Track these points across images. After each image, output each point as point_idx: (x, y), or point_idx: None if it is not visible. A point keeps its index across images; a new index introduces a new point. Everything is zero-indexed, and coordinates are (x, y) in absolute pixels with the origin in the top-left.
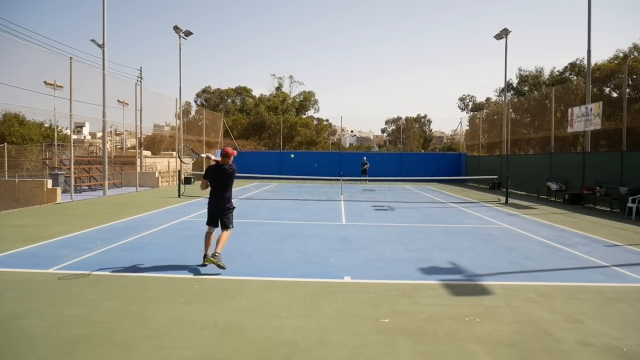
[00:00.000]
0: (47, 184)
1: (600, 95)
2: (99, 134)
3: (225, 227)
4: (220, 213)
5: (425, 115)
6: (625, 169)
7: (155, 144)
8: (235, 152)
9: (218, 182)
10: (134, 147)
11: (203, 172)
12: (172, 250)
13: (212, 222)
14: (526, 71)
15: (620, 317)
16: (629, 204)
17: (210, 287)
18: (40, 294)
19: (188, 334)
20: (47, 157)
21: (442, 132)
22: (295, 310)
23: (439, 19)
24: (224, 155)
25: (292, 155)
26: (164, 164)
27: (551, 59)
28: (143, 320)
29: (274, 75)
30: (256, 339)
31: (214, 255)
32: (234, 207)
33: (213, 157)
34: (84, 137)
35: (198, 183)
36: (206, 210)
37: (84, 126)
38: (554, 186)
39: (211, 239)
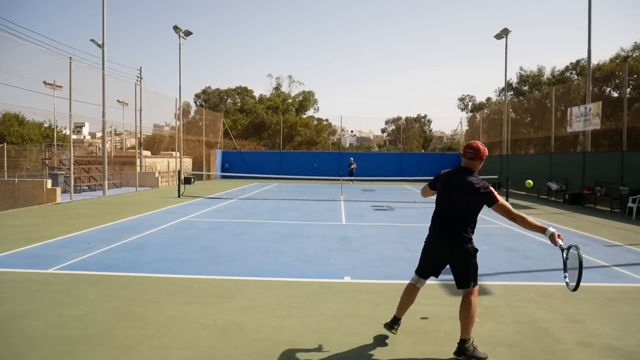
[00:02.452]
0: (46, 184)
1: (600, 95)
2: (99, 134)
3: (464, 284)
4: (448, 258)
5: (425, 115)
6: (625, 168)
7: (155, 144)
8: (485, 151)
9: (446, 200)
10: (133, 147)
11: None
12: (172, 250)
13: (423, 269)
14: (527, 71)
15: (620, 317)
16: (629, 204)
17: (210, 287)
18: (40, 294)
19: (188, 334)
20: (47, 157)
21: (442, 132)
22: (295, 310)
23: (440, 19)
24: (474, 154)
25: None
26: (164, 164)
27: (551, 59)
28: (143, 320)
29: (270, 75)
30: (256, 339)
31: (462, 342)
32: (476, 250)
33: None
34: (84, 137)
35: (198, 183)
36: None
37: (84, 126)
38: (554, 186)
39: (412, 297)
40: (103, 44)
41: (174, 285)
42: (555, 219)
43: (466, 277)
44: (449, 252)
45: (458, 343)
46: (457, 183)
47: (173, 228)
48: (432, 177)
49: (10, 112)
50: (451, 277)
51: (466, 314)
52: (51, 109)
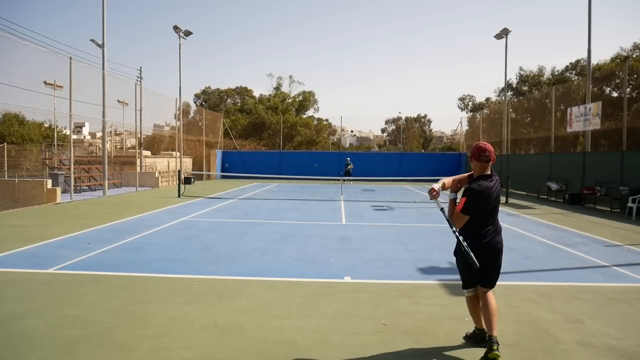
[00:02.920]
0: (46, 184)
1: (600, 95)
2: (99, 134)
3: (493, 282)
4: (494, 259)
5: (425, 115)
6: (625, 168)
7: (155, 144)
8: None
9: (492, 210)
10: (133, 147)
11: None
12: (172, 250)
13: (472, 281)
14: (527, 71)
15: (620, 317)
16: (629, 204)
17: (210, 287)
18: (40, 294)
19: (188, 334)
20: (47, 157)
21: (442, 132)
22: (295, 310)
23: (439, 19)
24: (490, 156)
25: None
26: (164, 164)
27: (551, 59)
28: (143, 320)
29: (270, 74)
30: (256, 339)
31: (490, 338)
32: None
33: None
34: (84, 137)
35: (198, 183)
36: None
37: (84, 126)
38: (554, 186)
39: (477, 304)
40: (103, 44)
41: (174, 285)
42: (555, 219)
43: (497, 274)
44: (498, 253)
45: (487, 336)
46: (496, 192)
47: (173, 228)
48: (430, 177)
49: (11, 112)
50: (450, 276)
51: (492, 311)
52: (51, 109)
